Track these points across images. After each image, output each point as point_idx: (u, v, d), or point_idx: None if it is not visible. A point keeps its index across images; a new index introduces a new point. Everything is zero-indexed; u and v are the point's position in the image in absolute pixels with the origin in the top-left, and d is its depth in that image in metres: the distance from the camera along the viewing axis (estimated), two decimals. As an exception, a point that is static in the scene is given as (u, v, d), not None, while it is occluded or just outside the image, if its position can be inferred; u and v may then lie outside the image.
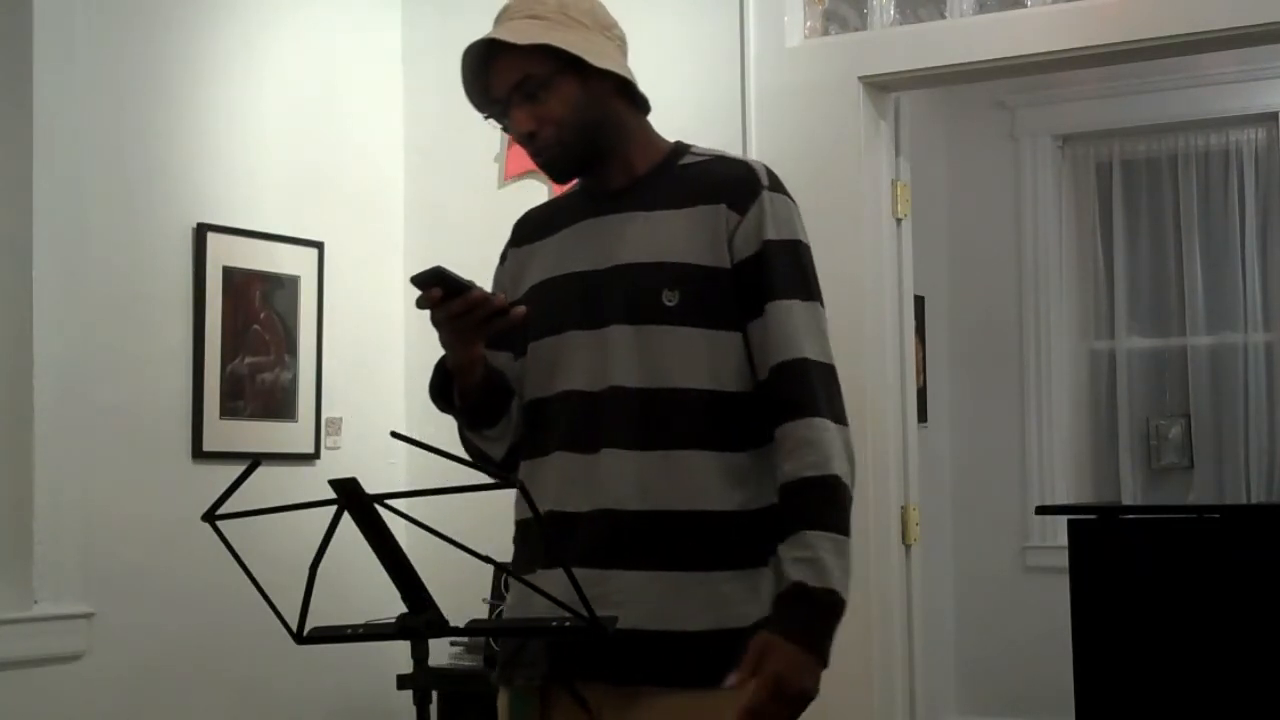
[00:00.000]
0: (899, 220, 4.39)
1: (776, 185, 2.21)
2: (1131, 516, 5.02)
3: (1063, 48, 4.03)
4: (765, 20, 4.32)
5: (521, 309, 2.08)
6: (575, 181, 2.30)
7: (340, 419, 4.47)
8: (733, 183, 2.18)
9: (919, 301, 5.39)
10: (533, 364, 2.22)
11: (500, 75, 2.17)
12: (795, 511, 2.07)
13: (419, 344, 4.70)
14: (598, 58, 2.15)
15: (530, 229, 2.33)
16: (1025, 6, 4.11)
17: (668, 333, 2.12)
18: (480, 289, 2.06)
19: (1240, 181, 6.32)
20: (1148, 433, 6.46)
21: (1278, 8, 3.81)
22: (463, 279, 2.03)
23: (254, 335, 4.21)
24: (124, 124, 3.93)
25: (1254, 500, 6.20)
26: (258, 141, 4.29)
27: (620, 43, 2.24)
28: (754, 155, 4.27)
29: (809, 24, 4.36)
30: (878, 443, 4.19)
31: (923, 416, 5.31)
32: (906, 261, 4.41)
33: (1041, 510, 5.60)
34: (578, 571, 1.86)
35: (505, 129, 2.24)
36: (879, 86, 4.29)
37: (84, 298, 3.77)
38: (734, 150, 4.26)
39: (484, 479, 1.72)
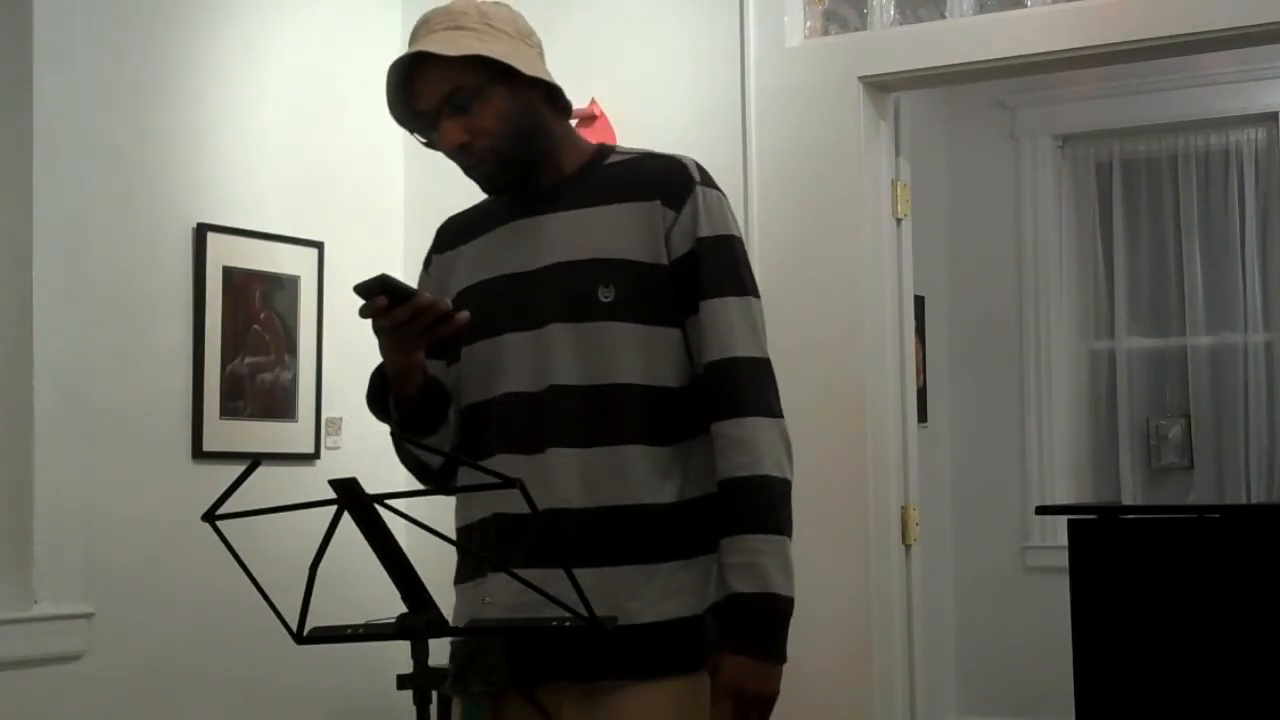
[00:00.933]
0: (899, 220, 4.39)
1: (708, 180, 2.22)
2: (1131, 516, 5.03)
3: (1063, 48, 4.03)
4: (765, 20, 4.32)
5: (465, 314, 2.07)
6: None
7: (340, 419, 4.47)
8: (665, 178, 2.19)
9: (919, 301, 5.39)
10: (469, 368, 2.21)
11: (428, 88, 2.15)
12: (730, 513, 2.10)
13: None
14: (527, 66, 2.15)
15: (454, 234, 2.32)
16: (1025, 6, 4.11)
17: (605, 329, 2.13)
18: (425, 294, 2.05)
19: (1240, 181, 6.32)
20: (1148, 433, 6.46)
21: (1278, 8, 3.81)
22: (407, 286, 2.03)
23: (254, 335, 4.21)
24: (124, 124, 3.93)
25: (1254, 500, 6.20)
26: (258, 141, 4.29)
27: (539, 50, 2.24)
28: (754, 155, 4.28)
29: (809, 24, 4.36)
30: (878, 443, 4.19)
31: (923, 416, 5.31)
32: (906, 261, 4.41)
33: (1041, 510, 5.60)
34: (529, 572, 1.87)
35: (429, 146, 2.22)
36: (879, 86, 4.29)
37: (84, 298, 3.77)
38: (733, 150, 4.30)
39: (484, 479, 1.72)
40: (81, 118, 3.79)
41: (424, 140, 2.21)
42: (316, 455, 4.39)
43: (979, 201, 6.58)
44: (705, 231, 2.16)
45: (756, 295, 2.21)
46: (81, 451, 3.74)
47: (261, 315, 4.24)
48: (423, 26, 2.17)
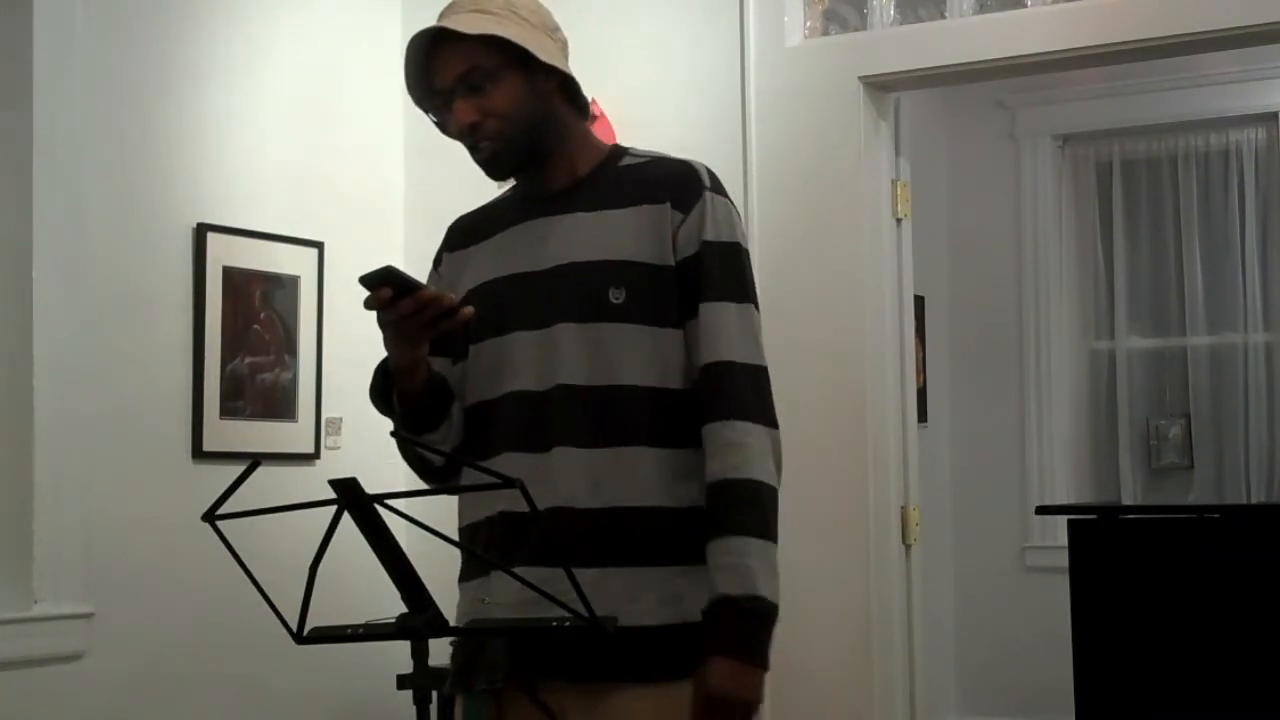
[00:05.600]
0: (899, 220, 4.39)
1: (718, 187, 2.22)
2: (1131, 516, 5.03)
3: (1063, 48, 4.03)
4: (765, 20, 4.32)
5: (470, 309, 2.07)
6: (510, 184, 2.30)
7: (340, 419, 4.46)
8: (675, 182, 2.19)
9: (919, 301, 5.39)
10: (476, 366, 2.21)
11: (446, 66, 2.16)
12: (718, 515, 2.09)
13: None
14: (544, 54, 2.16)
15: (464, 234, 2.33)
16: (1025, 6, 4.11)
17: (615, 330, 2.13)
18: (430, 288, 2.05)
19: (1240, 181, 6.32)
20: (1148, 433, 6.46)
21: (1278, 8, 3.81)
22: (412, 279, 2.03)
23: (254, 335, 4.21)
24: (124, 124, 3.93)
25: (1254, 500, 6.20)
26: (258, 141, 4.29)
27: (563, 45, 2.24)
28: (754, 155, 4.28)
29: (809, 24, 4.36)
30: (878, 443, 4.19)
31: (923, 416, 5.31)
32: (906, 261, 4.41)
33: (1041, 510, 5.61)
34: (533, 570, 1.87)
35: (440, 128, 2.23)
36: (879, 86, 4.29)
37: (84, 298, 3.77)
38: (733, 150, 4.30)
39: (484, 479, 1.72)
40: (81, 118, 3.79)
41: (436, 121, 2.22)
42: (316, 455, 4.39)
43: (979, 201, 6.58)
44: (710, 235, 2.16)
45: (756, 306, 2.21)
46: (81, 451, 3.74)
47: (261, 315, 4.24)
48: (450, 7, 2.19)
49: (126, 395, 3.87)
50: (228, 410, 4.12)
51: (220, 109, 4.18)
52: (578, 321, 2.13)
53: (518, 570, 1.91)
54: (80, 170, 3.78)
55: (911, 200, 4.46)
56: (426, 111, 2.23)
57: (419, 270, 2.33)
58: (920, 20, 4.26)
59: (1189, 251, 6.39)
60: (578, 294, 2.14)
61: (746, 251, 2.22)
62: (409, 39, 2.19)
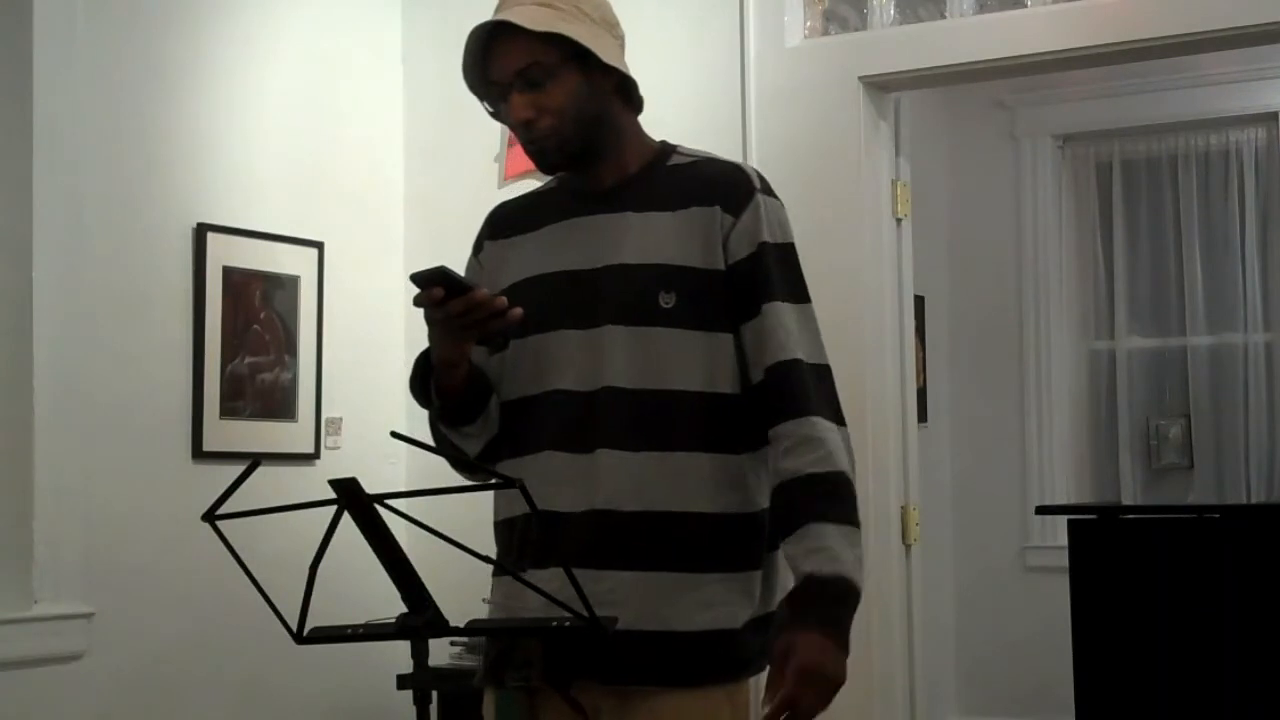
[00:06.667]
0: (899, 220, 4.39)
1: (768, 188, 2.23)
2: (1131, 516, 5.02)
3: (1063, 48, 4.03)
4: (765, 20, 4.32)
5: (519, 311, 2.06)
6: (556, 175, 2.29)
7: (340, 419, 4.47)
8: (725, 185, 2.19)
9: (919, 301, 5.39)
10: (518, 361, 2.20)
11: (505, 59, 2.15)
12: (802, 507, 2.08)
13: (419, 344, 4.69)
14: (605, 54, 2.15)
15: (509, 222, 2.31)
16: (1025, 6, 4.11)
17: (664, 334, 2.12)
18: (482, 290, 2.04)
19: (1240, 181, 6.32)
20: (1148, 433, 6.46)
21: (1278, 8, 3.81)
22: (464, 279, 2.03)
23: (254, 335, 4.21)
24: (124, 124, 3.93)
25: (1254, 500, 6.20)
26: (258, 141, 4.29)
27: (621, 42, 2.24)
28: (754, 155, 4.28)
29: (809, 24, 4.36)
30: (878, 443, 4.19)
31: (923, 416, 5.31)
32: (906, 261, 4.41)
33: (1041, 510, 5.60)
34: (562, 572, 1.86)
35: (495, 116, 2.22)
36: (879, 86, 4.29)
37: (84, 298, 3.77)
38: (733, 150, 4.30)
39: (484, 479, 1.72)
40: (81, 117, 3.79)
41: (491, 110, 2.21)
42: (316, 455, 4.39)
43: (979, 201, 6.58)
44: (768, 237, 2.16)
45: (811, 304, 2.21)
46: (81, 451, 3.74)
47: (261, 315, 4.24)
48: None
49: (126, 395, 3.87)
50: (228, 410, 4.12)
51: (220, 109, 4.18)
52: (626, 324, 2.13)
53: (554, 571, 1.92)
54: (80, 170, 3.78)
55: (911, 200, 4.46)
56: (481, 100, 2.22)
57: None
58: (920, 20, 4.26)
59: (1189, 251, 6.39)
60: (627, 296, 2.13)
61: (797, 252, 2.22)
62: (471, 29, 2.16)
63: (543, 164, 2.21)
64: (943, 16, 4.22)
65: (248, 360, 4.19)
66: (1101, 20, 3.97)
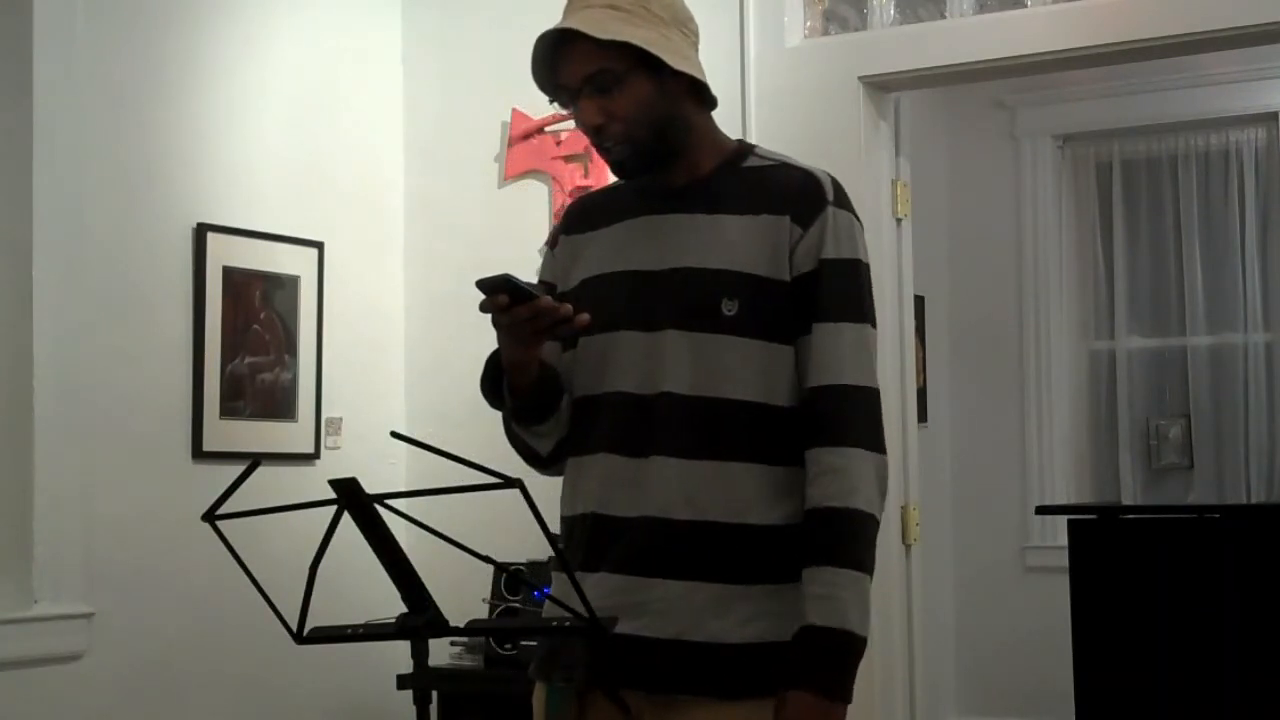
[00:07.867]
0: (899, 220, 4.39)
1: (841, 201, 2.19)
2: (1131, 516, 5.02)
3: (1063, 48, 4.03)
4: (765, 20, 4.32)
5: (585, 316, 2.04)
6: None
7: (340, 419, 4.47)
8: (798, 194, 2.16)
9: (919, 301, 5.39)
10: (583, 359, 2.18)
11: (574, 64, 2.12)
12: (816, 543, 2.06)
13: (419, 344, 4.70)
14: (675, 58, 2.12)
15: (585, 217, 2.28)
16: (1025, 6, 4.11)
17: (725, 342, 2.09)
18: (547, 297, 2.02)
19: (1240, 181, 6.32)
20: (1148, 433, 6.46)
21: (1278, 8, 3.81)
22: (529, 286, 2.00)
23: (254, 335, 4.21)
24: (124, 124, 3.93)
25: (1254, 500, 6.20)
26: (258, 141, 4.29)
27: (695, 37, 2.20)
28: (754, 155, 4.28)
29: (809, 24, 4.36)
30: (878, 443, 4.18)
31: (923, 416, 5.30)
32: (906, 261, 4.41)
33: (1041, 510, 5.60)
34: (618, 578, 1.86)
35: (566, 110, 2.20)
36: (879, 86, 4.29)
37: (84, 297, 3.77)
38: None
39: (484, 479, 1.71)
40: (81, 117, 3.79)
41: (564, 110, 2.19)
42: (316, 455, 4.39)
43: (979, 201, 6.58)
44: (830, 253, 2.13)
45: (874, 325, 2.17)
46: (81, 451, 3.74)
47: (261, 315, 4.24)
48: (579, 1, 2.14)
49: (126, 395, 3.87)
50: (228, 410, 4.12)
51: (220, 109, 4.18)
52: (687, 329, 2.10)
53: (602, 575, 1.92)
54: (80, 170, 3.78)
55: (911, 200, 4.46)
56: (551, 101, 2.19)
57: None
58: (920, 20, 4.26)
59: (1189, 251, 6.39)
60: (690, 301, 2.11)
61: (867, 267, 2.18)
62: (539, 35, 2.14)
63: (622, 172, 2.19)
64: (943, 16, 4.22)
65: (248, 360, 4.19)
66: (1101, 20, 3.97)
